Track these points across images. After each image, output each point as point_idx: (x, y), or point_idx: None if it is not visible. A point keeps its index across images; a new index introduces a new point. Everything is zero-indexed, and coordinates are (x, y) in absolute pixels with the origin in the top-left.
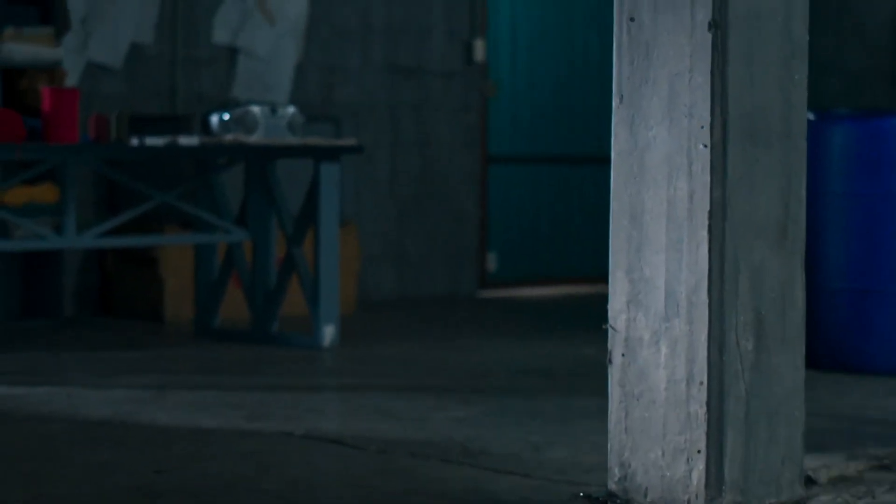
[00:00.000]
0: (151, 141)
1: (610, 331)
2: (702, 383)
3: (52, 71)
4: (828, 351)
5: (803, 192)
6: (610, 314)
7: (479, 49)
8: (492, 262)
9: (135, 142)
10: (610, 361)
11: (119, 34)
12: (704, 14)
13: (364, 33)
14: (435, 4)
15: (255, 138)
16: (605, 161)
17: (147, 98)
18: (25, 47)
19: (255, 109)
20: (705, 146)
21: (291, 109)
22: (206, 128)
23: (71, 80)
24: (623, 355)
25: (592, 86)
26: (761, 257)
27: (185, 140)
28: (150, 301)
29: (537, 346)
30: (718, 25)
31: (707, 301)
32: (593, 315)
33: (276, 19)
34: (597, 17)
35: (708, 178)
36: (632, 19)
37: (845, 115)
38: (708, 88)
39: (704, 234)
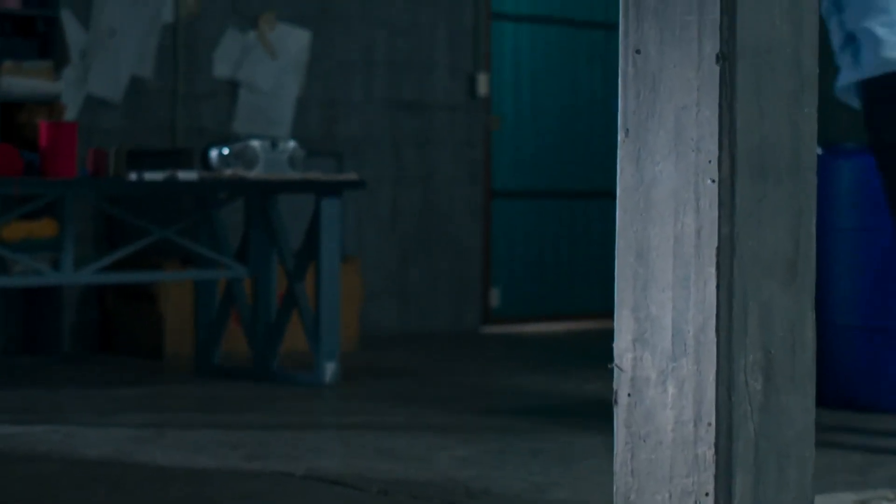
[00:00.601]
0: (150, 176)
1: (615, 370)
2: (710, 424)
3: (51, 105)
4: (837, 389)
5: (813, 229)
6: (615, 353)
7: (483, 83)
8: (495, 297)
9: (133, 176)
10: (615, 402)
11: (119, 68)
12: (712, 46)
13: (366, 67)
14: (438, 38)
15: (255, 173)
16: (610, 196)
17: (147, 132)
18: (24, 81)
19: (255, 144)
20: (713, 181)
21: (292, 144)
22: (205, 162)
23: (70, 114)
24: (629, 395)
25: (597, 120)
26: (770, 295)
27: (184, 175)
28: (149, 337)
29: (541, 383)
30: (726, 58)
31: (715, 340)
32: (597, 352)
33: (277, 53)
34: (601, 51)
35: (716, 214)
36: (637, 51)
37: (855, 150)
38: (716, 122)
39: (712, 271)
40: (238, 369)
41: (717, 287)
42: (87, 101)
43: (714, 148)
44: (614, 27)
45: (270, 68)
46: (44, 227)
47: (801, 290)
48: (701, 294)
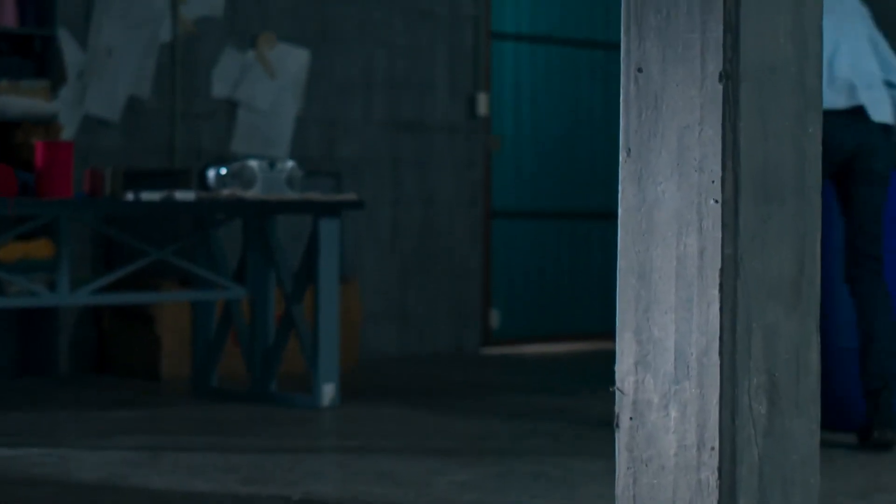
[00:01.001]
0: (147, 196)
1: (617, 393)
2: (713, 449)
3: (48, 125)
4: (839, 412)
5: (818, 250)
6: (617, 376)
7: (483, 103)
8: (495, 318)
9: (130, 197)
10: (617, 426)
11: (117, 87)
12: (715, 65)
13: (365, 87)
14: (437, 58)
15: (252, 193)
16: (611, 217)
17: (145, 152)
18: (21, 100)
19: (253, 164)
20: (716, 202)
21: (290, 164)
22: (203, 182)
23: (67, 134)
24: (631, 419)
25: (598, 140)
26: (775, 318)
27: (181, 195)
28: (146, 359)
29: (541, 405)
30: (730, 77)
31: (718, 363)
32: (598, 373)
33: (276, 73)
34: (601, 70)
35: (719, 235)
36: (640, 70)
37: None
38: (719, 142)
39: (715, 293)
40: (236, 391)
41: (721, 309)
42: (84, 120)
43: (717, 168)
44: (615, 46)
45: (269, 88)
46: (40, 248)
47: (805, 313)
48: (704, 316)
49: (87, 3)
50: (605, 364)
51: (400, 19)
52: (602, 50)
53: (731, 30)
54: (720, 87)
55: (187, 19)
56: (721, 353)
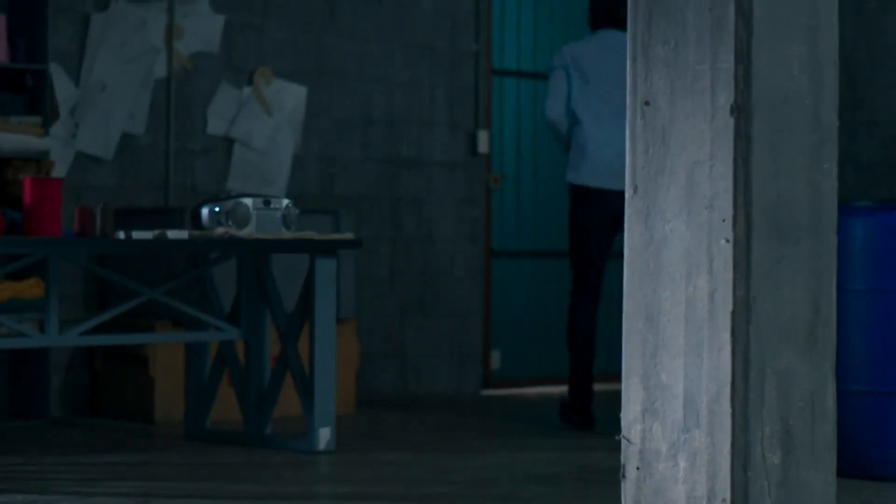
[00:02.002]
0: (138, 234)
1: (623, 442)
2: (724, 500)
3: (39, 161)
4: (849, 457)
5: (834, 291)
6: (623, 424)
7: (483, 140)
8: (496, 360)
9: (121, 235)
10: (623, 475)
11: (110, 124)
12: (726, 97)
13: (364, 123)
14: (437, 95)
15: (247, 232)
16: (616, 256)
17: (140, 190)
18: (12, 136)
19: (247, 202)
20: (727, 241)
21: (286, 202)
22: (196, 221)
23: (60, 172)
24: (638, 469)
25: None
26: (789, 362)
27: (173, 234)
28: (139, 401)
29: (543, 449)
30: (742, 110)
31: (730, 410)
32: (604, 417)
33: (273, 109)
34: None
35: (730, 276)
36: (647, 103)
37: (867, 207)
38: (730, 178)
39: (727, 336)
40: (230, 434)
41: (732, 354)
42: (77, 158)
43: (728, 205)
44: None
45: (266, 125)
46: (32, 288)
47: (821, 358)
48: (715, 361)
49: (81, 38)
50: (610, 407)
51: (399, 55)
52: None
53: (743, 60)
54: (731, 120)
55: (183, 55)
56: (733, 400)
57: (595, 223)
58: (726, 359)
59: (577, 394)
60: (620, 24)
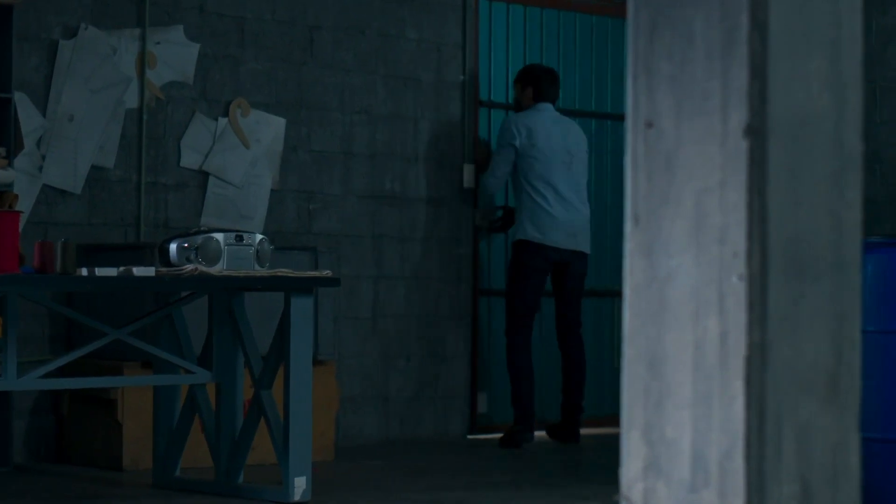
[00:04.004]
0: (102, 271)
1: (623, 503)
2: None
3: (2, 194)
4: None
5: (858, 335)
6: (623, 482)
7: (470, 175)
8: (482, 403)
9: (84, 272)
10: None
11: (78, 156)
12: (739, 118)
13: (345, 157)
14: (422, 127)
15: (218, 269)
16: (611, 295)
17: (110, 226)
18: None
19: (218, 237)
20: (740, 278)
21: (259, 237)
22: (165, 257)
23: (24, 206)
24: None
25: (598, 210)
26: (809, 414)
27: (139, 270)
28: (107, 447)
29: (534, 499)
30: (756, 132)
31: (743, 468)
32: (601, 464)
33: (249, 142)
34: (594, 140)
35: (744, 317)
36: (649, 125)
37: (878, 243)
38: (743, 208)
39: (740, 385)
40: (200, 483)
41: (746, 404)
42: (43, 191)
43: (741, 239)
44: (607, 116)
45: (242, 158)
46: None
47: (844, 409)
48: (726, 412)
49: (48, 66)
50: (605, 454)
51: (382, 86)
52: (595, 119)
53: (758, 76)
54: (745, 143)
55: (155, 85)
56: (746, 457)
57: (535, 268)
58: (739, 410)
59: (524, 423)
60: (555, 101)
